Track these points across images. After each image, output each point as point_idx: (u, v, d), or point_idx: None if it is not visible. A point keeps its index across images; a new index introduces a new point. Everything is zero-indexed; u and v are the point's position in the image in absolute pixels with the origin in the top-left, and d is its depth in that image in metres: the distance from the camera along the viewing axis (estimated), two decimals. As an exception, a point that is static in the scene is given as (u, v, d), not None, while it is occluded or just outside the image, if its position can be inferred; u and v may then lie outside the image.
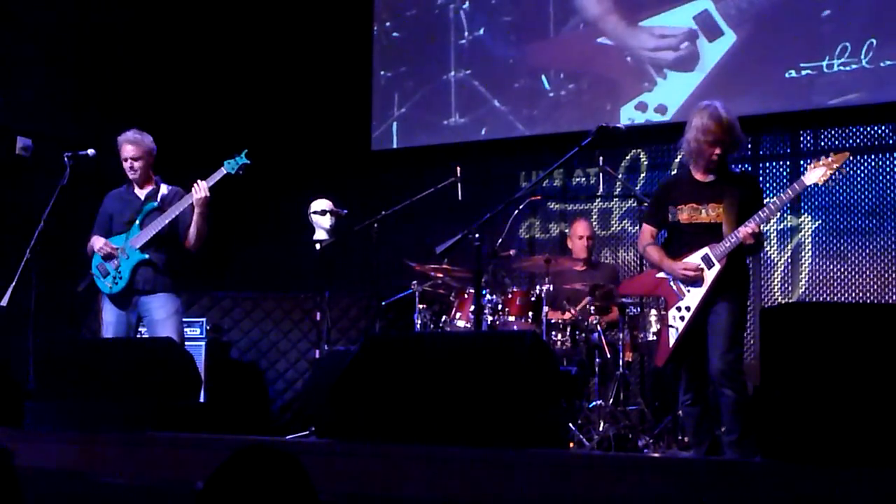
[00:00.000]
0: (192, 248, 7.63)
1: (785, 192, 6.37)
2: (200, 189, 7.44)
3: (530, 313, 8.30)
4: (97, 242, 7.55)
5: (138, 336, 7.78)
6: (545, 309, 8.17)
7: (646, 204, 8.55)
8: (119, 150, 7.65)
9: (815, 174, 6.25)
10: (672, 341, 6.33)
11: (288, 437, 7.66)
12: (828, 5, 9.26)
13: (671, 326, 6.33)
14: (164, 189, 7.71)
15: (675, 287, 6.38)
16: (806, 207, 9.39)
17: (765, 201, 6.34)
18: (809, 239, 9.28)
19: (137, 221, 7.55)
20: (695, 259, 6.30)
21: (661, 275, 6.48)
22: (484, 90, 10.92)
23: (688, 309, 6.31)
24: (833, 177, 6.27)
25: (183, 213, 7.50)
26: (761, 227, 6.23)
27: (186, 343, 8.00)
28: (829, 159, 6.24)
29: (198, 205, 7.46)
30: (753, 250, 6.51)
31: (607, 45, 10.22)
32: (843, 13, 9.16)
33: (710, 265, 6.25)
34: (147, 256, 7.48)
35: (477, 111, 10.94)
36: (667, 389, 7.92)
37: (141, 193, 7.68)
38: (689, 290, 6.33)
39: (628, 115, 9.97)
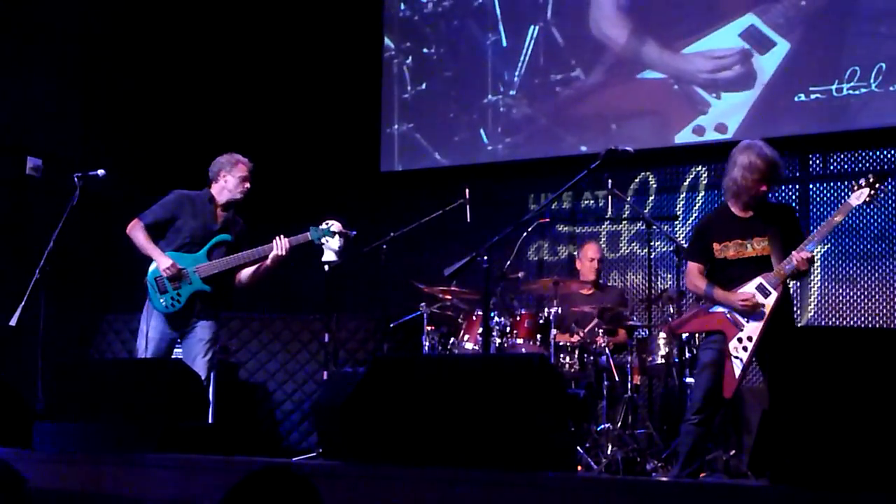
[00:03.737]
0: (242, 287, 7.62)
1: (833, 216, 6.46)
2: (282, 247, 7.42)
3: (538, 336, 8.30)
4: (164, 262, 7.31)
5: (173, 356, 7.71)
6: (553, 331, 8.16)
7: (654, 227, 8.59)
8: (230, 169, 7.58)
9: (859, 196, 6.41)
10: (738, 372, 6.36)
11: (295, 459, 7.65)
12: (837, 30, 9.26)
13: (735, 358, 6.37)
14: (237, 220, 7.67)
15: (731, 319, 6.43)
16: (815, 232, 9.39)
17: (821, 225, 6.53)
18: (818, 263, 9.27)
19: (206, 248, 7.48)
20: (749, 289, 6.36)
21: (716, 309, 6.53)
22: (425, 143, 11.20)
23: (749, 339, 6.36)
24: (876, 197, 6.42)
25: (259, 259, 7.47)
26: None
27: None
28: (872, 180, 6.36)
29: (273, 261, 7.44)
30: (804, 275, 6.64)
31: (648, 78, 10.23)
32: (852, 37, 9.17)
33: (766, 294, 6.34)
34: (209, 289, 7.43)
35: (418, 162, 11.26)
36: (675, 413, 7.91)
37: (220, 216, 7.59)
38: (747, 321, 6.38)
39: (686, 140, 9.99)
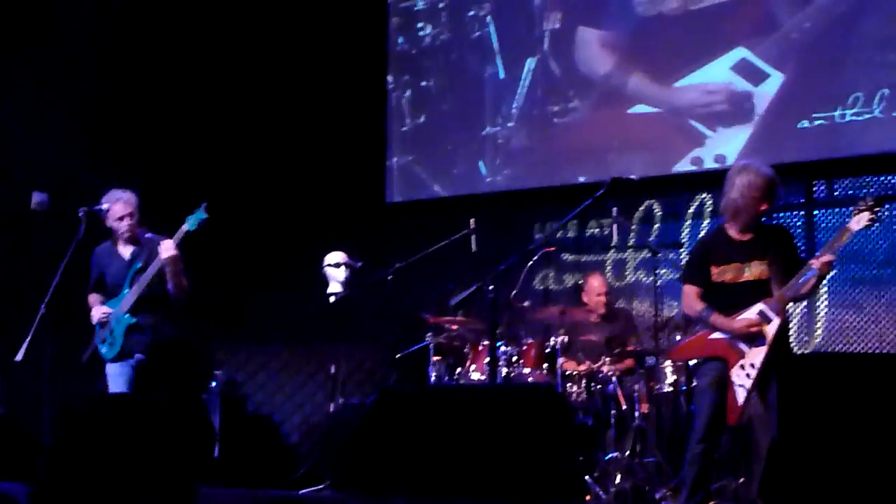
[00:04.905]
0: (176, 299, 7.62)
1: (834, 241, 6.39)
2: (166, 249, 7.41)
3: (545, 364, 8.29)
4: (92, 312, 7.66)
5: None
6: (560, 360, 8.15)
7: (659, 254, 8.58)
8: (111, 208, 7.65)
9: (859, 220, 6.33)
10: (742, 399, 6.28)
11: (303, 491, 7.64)
12: (835, 59, 9.28)
13: (739, 385, 6.28)
14: (147, 243, 7.68)
15: (733, 345, 6.36)
16: (821, 257, 9.36)
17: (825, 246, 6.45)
18: (825, 289, 9.23)
19: (126, 284, 7.55)
20: (750, 315, 6.31)
21: (716, 335, 6.44)
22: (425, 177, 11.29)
23: (752, 366, 6.25)
24: (875, 220, 6.34)
25: (163, 269, 7.49)
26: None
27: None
28: (871, 203, 6.32)
29: (167, 264, 7.43)
30: (812, 293, 6.57)
31: (643, 112, 10.25)
32: (855, 64, 9.18)
33: (767, 320, 6.26)
34: (136, 320, 7.47)
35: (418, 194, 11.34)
36: (684, 441, 7.88)
37: (125, 252, 7.69)
38: (749, 347, 6.30)
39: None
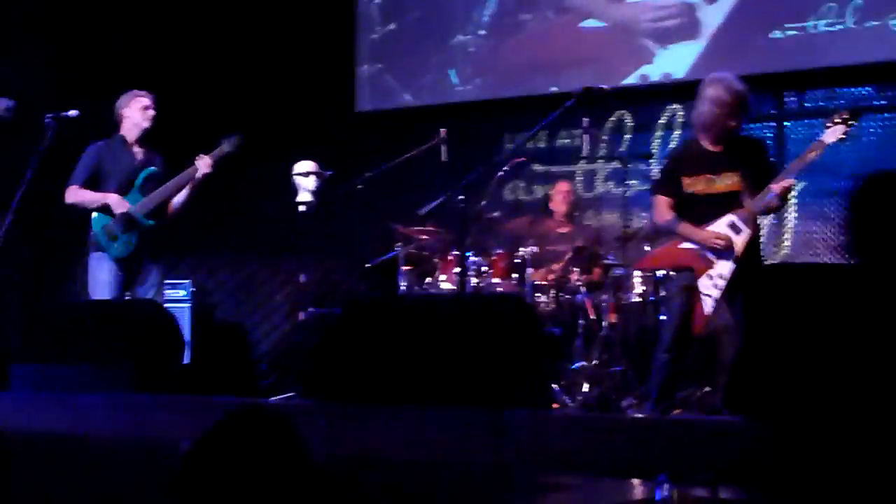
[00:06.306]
0: (171, 217, 7.62)
1: (806, 153, 6.39)
2: (206, 164, 7.48)
3: (514, 275, 8.31)
4: (116, 199, 7.44)
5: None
6: (529, 270, 8.17)
7: (629, 165, 8.58)
8: (128, 104, 7.60)
9: (833, 133, 6.31)
10: (708, 309, 6.31)
11: (272, 399, 7.68)
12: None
13: (706, 295, 6.31)
14: (156, 155, 7.66)
15: (702, 255, 6.36)
16: (789, 169, 9.40)
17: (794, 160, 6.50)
18: (793, 200, 9.27)
19: (137, 186, 7.49)
20: (720, 226, 6.31)
21: (686, 245, 6.45)
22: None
23: (721, 276, 6.28)
24: (849, 133, 6.32)
25: (188, 183, 7.52)
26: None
27: (172, 304, 7.99)
28: (846, 117, 6.31)
29: (198, 180, 7.51)
30: (777, 209, 6.61)
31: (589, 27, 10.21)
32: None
33: (737, 231, 6.27)
34: (153, 223, 7.45)
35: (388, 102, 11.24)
36: (650, 350, 7.94)
37: (137, 153, 7.61)
38: (718, 258, 6.32)
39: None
